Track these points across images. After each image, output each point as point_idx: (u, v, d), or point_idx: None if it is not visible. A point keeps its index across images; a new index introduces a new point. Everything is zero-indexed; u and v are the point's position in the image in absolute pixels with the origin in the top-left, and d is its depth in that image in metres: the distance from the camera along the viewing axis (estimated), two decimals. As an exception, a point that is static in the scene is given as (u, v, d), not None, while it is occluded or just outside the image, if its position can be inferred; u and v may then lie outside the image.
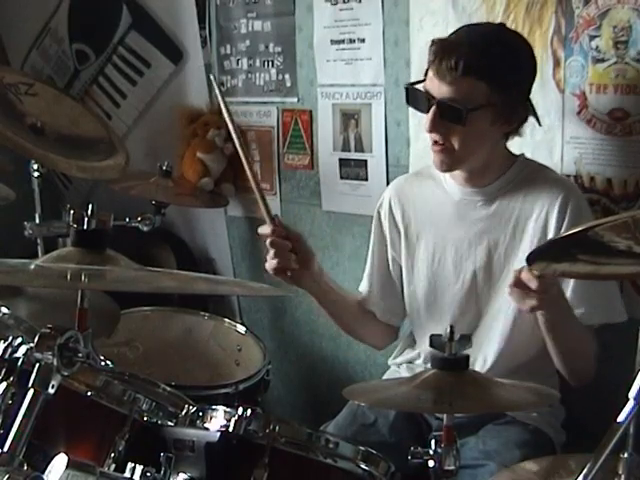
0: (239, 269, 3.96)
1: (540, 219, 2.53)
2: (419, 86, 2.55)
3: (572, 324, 2.45)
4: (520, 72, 2.52)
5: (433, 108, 2.46)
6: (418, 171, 2.85)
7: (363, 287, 2.87)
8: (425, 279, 2.70)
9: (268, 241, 2.61)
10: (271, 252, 2.61)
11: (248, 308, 3.98)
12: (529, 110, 2.54)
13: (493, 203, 2.59)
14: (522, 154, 2.64)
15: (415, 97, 2.56)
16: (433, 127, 2.48)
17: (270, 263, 2.62)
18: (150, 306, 3.38)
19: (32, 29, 4.55)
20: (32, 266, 1.97)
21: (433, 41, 2.49)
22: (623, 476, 1.62)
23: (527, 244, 2.53)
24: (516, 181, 2.59)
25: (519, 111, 2.51)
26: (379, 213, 2.80)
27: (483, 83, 2.43)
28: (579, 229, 1.65)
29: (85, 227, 2.01)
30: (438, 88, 2.45)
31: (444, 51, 2.43)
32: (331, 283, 2.80)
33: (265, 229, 2.62)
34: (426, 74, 2.51)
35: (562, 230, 2.48)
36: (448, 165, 2.55)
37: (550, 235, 2.50)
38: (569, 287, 2.49)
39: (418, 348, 2.75)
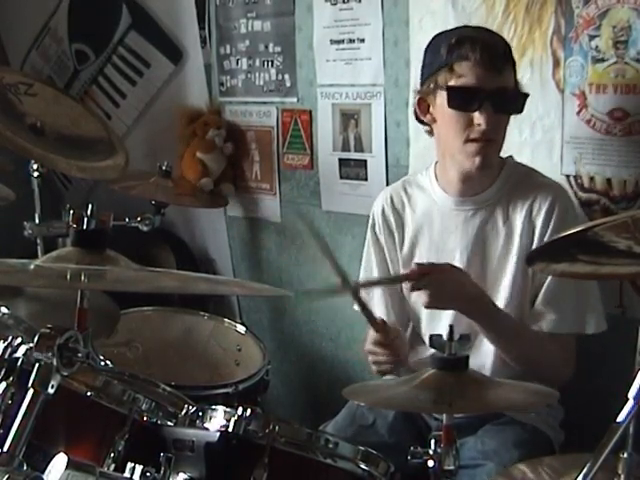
0: (239, 269, 3.96)
1: (528, 224, 2.53)
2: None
3: (507, 331, 2.49)
4: None
5: (487, 102, 2.41)
6: (405, 180, 2.80)
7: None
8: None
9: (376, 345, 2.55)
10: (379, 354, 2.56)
11: (248, 308, 3.98)
12: None
13: (485, 211, 2.58)
14: (510, 156, 2.64)
15: (463, 96, 2.45)
16: (489, 122, 2.42)
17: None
18: (150, 306, 3.38)
19: (32, 29, 4.56)
20: (32, 266, 1.97)
21: (458, 39, 2.45)
22: (623, 476, 1.62)
23: (517, 250, 2.53)
24: (506, 187, 2.58)
25: None
26: (374, 232, 2.77)
27: (512, 69, 2.47)
28: (578, 229, 1.65)
29: (85, 227, 2.01)
30: (485, 80, 2.40)
31: (484, 42, 2.42)
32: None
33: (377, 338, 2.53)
34: (450, 71, 2.45)
35: (547, 234, 2.49)
36: (488, 162, 2.51)
37: (536, 240, 2.51)
38: (541, 293, 2.51)
39: (419, 354, 2.74)
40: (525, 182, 2.58)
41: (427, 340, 2.01)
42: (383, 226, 2.75)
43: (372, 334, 2.54)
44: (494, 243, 2.57)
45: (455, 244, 2.61)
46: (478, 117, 2.43)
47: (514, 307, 2.53)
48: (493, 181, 2.58)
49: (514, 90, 2.48)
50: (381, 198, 2.79)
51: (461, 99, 2.45)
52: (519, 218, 2.54)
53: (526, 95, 2.50)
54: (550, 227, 2.49)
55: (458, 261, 2.57)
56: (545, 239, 2.48)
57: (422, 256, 2.64)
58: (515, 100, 2.49)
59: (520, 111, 2.52)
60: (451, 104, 2.47)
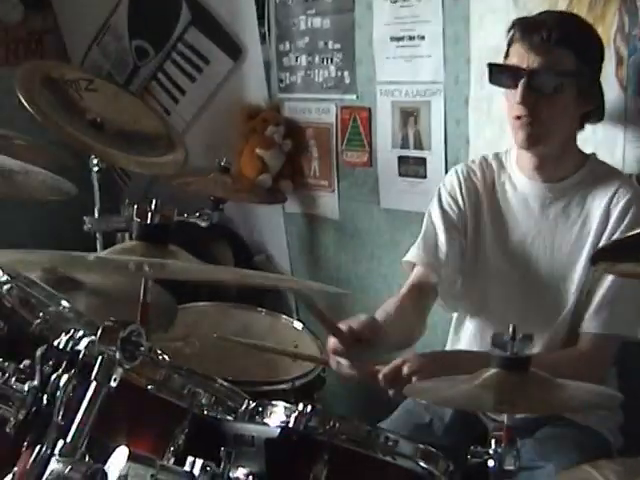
0: (296, 266, 3.96)
1: (601, 222, 2.51)
2: None
3: None
4: (598, 49, 2.56)
5: (523, 80, 2.45)
6: (484, 157, 2.77)
7: (419, 258, 2.79)
8: (491, 272, 2.67)
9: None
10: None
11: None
12: (601, 96, 2.57)
13: (563, 201, 2.58)
14: (593, 153, 2.63)
15: (501, 73, 2.55)
16: (523, 99, 2.46)
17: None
18: (207, 302, 3.39)
19: (92, 26, 4.60)
20: (91, 257, 1.98)
21: (514, 22, 2.53)
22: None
23: (589, 247, 2.52)
24: (587, 181, 2.57)
25: (597, 90, 2.55)
26: (442, 204, 2.74)
27: (572, 53, 2.46)
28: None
29: (149, 222, 2.02)
30: (528, 60, 2.45)
31: (535, 24, 2.47)
32: (387, 327, 2.58)
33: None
34: (506, 57, 2.54)
35: (621, 229, 2.47)
36: (534, 140, 2.52)
37: (608, 230, 2.50)
38: (599, 293, 2.49)
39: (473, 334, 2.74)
40: (606, 177, 2.57)
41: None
42: (452, 200, 2.73)
43: (330, 341, 2.47)
44: (567, 234, 2.56)
45: (528, 228, 2.61)
46: (515, 94, 2.48)
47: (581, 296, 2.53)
48: (574, 172, 2.59)
49: (552, 70, 2.46)
50: (457, 172, 2.77)
51: (500, 76, 2.56)
52: (597, 209, 2.53)
53: (565, 76, 2.46)
54: (625, 222, 2.47)
55: (528, 247, 2.59)
56: (617, 233, 2.47)
57: (493, 234, 2.66)
58: (550, 81, 2.46)
59: (558, 92, 2.47)
60: (490, 79, 2.60)
